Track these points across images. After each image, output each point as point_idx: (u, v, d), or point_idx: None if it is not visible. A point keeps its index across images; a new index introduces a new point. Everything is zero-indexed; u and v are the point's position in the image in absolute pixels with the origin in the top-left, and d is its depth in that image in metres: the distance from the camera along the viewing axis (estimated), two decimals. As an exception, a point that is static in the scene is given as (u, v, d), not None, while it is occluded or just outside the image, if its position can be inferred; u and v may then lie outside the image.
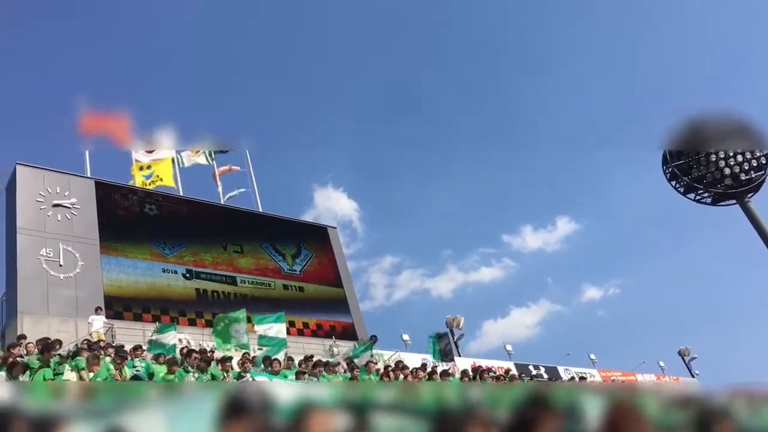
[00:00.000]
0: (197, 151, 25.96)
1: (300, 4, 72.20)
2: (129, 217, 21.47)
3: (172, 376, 11.46)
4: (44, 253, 18.45)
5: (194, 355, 12.98)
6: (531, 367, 26.91)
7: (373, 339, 20.62)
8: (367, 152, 73.14)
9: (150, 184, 23.86)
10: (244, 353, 14.09)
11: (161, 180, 24.17)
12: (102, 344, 13.87)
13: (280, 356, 14.51)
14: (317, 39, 74.40)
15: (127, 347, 13.09)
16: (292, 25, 73.07)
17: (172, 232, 22.24)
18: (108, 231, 20.31)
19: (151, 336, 15.18)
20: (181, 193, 24.27)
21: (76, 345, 14.32)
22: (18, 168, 19.66)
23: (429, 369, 17.10)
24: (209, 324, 18.84)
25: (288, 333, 17.12)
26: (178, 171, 24.88)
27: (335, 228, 28.21)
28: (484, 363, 24.02)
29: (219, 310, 20.21)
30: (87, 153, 22.08)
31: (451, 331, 25.69)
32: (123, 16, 66.71)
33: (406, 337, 24.87)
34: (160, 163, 24.49)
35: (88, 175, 21.52)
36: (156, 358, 12.90)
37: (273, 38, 74.05)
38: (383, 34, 74.33)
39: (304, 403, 2.78)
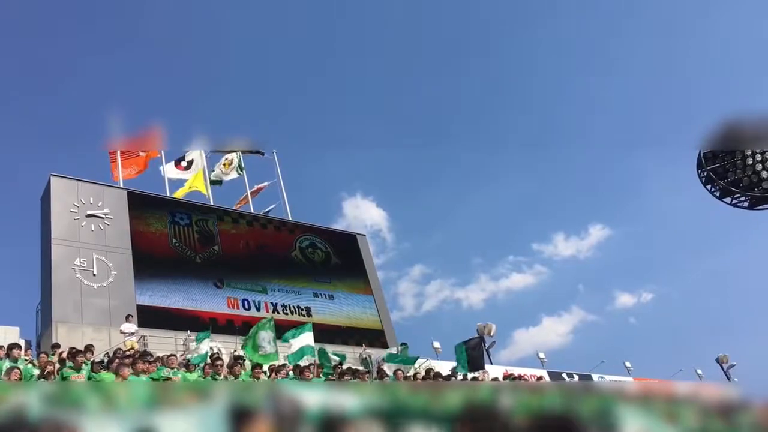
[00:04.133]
0: (228, 164, 26.16)
1: (335, 12, 72.69)
2: (160, 227, 21.68)
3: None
4: (78, 263, 18.72)
5: (218, 362, 13.18)
6: (564, 375, 26.54)
7: (404, 346, 20.51)
8: (397, 161, 73.03)
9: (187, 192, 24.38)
10: (271, 365, 14.13)
11: (197, 188, 24.57)
12: (133, 353, 13.97)
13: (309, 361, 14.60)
14: (349, 45, 74.82)
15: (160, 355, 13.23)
16: (326, 31, 73.58)
17: (203, 240, 22.41)
18: (139, 240, 20.56)
19: (190, 350, 15.40)
20: (212, 202, 24.48)
21: (107, 354, 14.47)
22: (52, 179, 19.96)
23: (459, 377, 16.92)
24: (240, 332, 18.92)
25: (317, 341, 17.08)
26: (208, 180, 25.14)
27: (364, 236, 28.18)
28: (517, 371, 23.74)
29: (249, 317, 20.36)
30: (119, 164, 22.42)
31: (482, 338, 25.42)
32: (156, 26, 67.91)
33: (437, 344, 24.74)
34: (193, 177, 24.84)
35: (121, 186, 21.83)
36: (186, 365, 12.96)
37: (304, 43, 74.61)
38: (417, 40, 74.39)
39: (333, 416, 2.70)
